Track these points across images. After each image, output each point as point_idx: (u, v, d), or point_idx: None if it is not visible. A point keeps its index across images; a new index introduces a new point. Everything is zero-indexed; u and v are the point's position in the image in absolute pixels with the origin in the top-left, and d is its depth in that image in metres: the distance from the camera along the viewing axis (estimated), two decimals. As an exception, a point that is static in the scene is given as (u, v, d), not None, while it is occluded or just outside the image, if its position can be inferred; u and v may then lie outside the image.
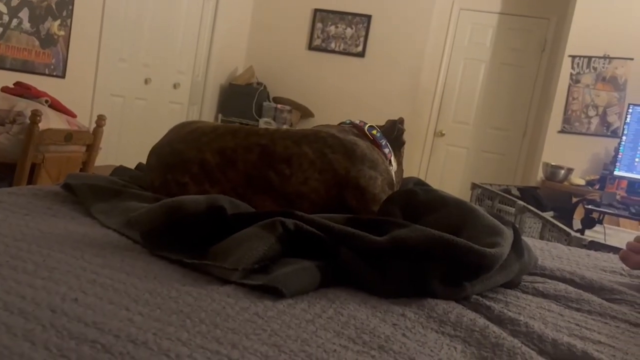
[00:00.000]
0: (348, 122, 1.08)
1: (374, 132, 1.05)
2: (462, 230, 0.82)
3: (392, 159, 1.07)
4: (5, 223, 0.73)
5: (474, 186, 3.68)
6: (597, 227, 2.98)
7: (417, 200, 0.89)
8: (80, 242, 0.70)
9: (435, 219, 0.84)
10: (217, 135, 0.96)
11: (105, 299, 0.53)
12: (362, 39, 5.08)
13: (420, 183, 1.15)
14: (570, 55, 4.36)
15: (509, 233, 0.83)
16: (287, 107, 5.00)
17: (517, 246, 0.86)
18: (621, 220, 3.21)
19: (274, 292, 0.62)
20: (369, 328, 0.58)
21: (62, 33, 3.27)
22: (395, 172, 1.06)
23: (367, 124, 1.06)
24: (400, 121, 1.11)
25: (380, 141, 1.04)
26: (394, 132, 1.08)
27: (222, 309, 0.56)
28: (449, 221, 0.84)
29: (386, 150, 1.04)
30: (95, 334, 0.45)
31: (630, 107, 3.16)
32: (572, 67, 4.36)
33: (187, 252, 0.70)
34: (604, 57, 4.28)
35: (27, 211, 0.81)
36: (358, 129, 1.05)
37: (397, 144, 1.09)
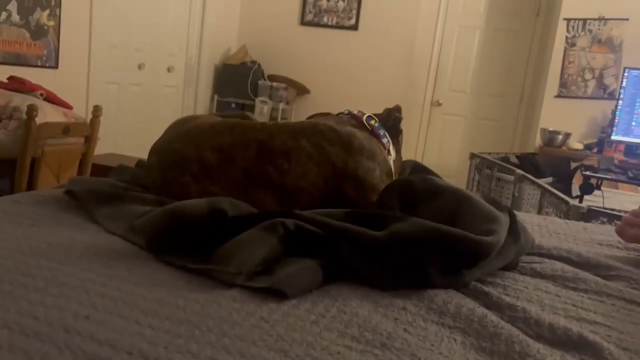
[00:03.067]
0: (347, 112, 1.10)
1: (372, 122, 1.06)
2: (458, 218, 0.83)
3: (391, 148, 1.08)
4: (11, 236, 0.75)
5: (473, 156, 3.69)
6: (596, 192, 3.00)
7: (414, 189, 0.91)
8: (87, 252, 0.72)
9: (432, 209, 0.86)
10: (214, 132, 0.97)
11: (115, 313, 0.55)
12: (354, 12, 5.02)
13: (418, 168, 1.16)
14: (565, 19, 4.32)
15: (504, 218, 0.85)
16: (283, 85, 4.98)
17: (513, 230, 0.88)
18: (619, 183, 3.23)
19: (278, 293, 0.64)
20: (371, 325, 0.60)
21: (51, 23, 3.24)
22: (394, 161, 1.08)
23: (365, 114, 1.07)
24: (397, 109, 1.11)
25: (379, 131, 1.05)
26: (389, 120, 1.09)
27: (229, 315, 0.58)
28: (446, 209, 0.86)
29: (384, 140, 1.05)
30: (108, 353, 0.47)
31: (626, 71, 3.15)
32: (568, 31, 4.32)
33: (191, 256, 0.72)
34: (599, 19, 4.23)
35: (32, 221, 0.83)
36: (356, 120, 1.06)
37: (394, 133, 1.10)
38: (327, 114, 1.15)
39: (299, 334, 0.56)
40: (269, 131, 0.97)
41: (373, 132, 1.05)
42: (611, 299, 0.82)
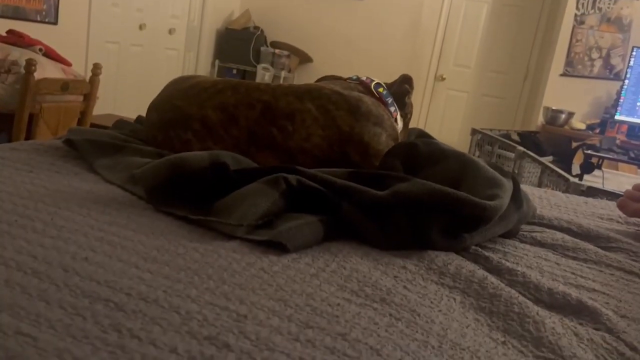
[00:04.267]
0: (355, 77, 1.07)
1: (380, 89, 1.04)
2: (462, 182, 0.83)
3: (398, 117, 1.06)
4: (10, 180, 0.74)
5: (474, 132, 3.67)
6: (596, 172, 3.00)
7: (418, 153, 0.90)
8: (86, 199, 0.71)
9: (435, 172, 0.85)
10: (217, 90, 0.95)
11: (114, 257, 0.54)
12: (361, -20, 4.92)
13: (422, 135, 1.15)
14: (575, -5, 4.25)
15: (508, 184, 0.84)
16: (285, 52, 4.92)
17: (516, 197, 0.87)
18: (620, 164, 3.23)
19: (278, 247, 0.64)
20: (371, 281, 0.60)
21: (52, -23, 3.17)
22: (400, 132, 1.06)
23: (373, 80, 1.05)
24: (408, 80, 1.09)
25: (387, 99, 1.03)
26: (398, 91, 1.07)
27: (229, 265, 0.57)
28: (449, 174, 0.85)
29: (392, 109, 1.04)
30: (107, 293, 0.47)
31: (634, 50, 3.11)
32: (577, 8, 4.25)
33: (191, 208, 0.71)
34: (610, -3, 4.16)
35: (31, 167, 0.82)
36: (364, 86, 1.04)
37: (401, 104, 1.08)
38: (337, 78, 1.13)
39: (298, 286, 0.55)
40: (273, 92, 0.96)
41: (381, 99, 1.04)
42: (610, 269, 0.82)
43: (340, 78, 1.12)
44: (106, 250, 0.56)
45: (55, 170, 0.83)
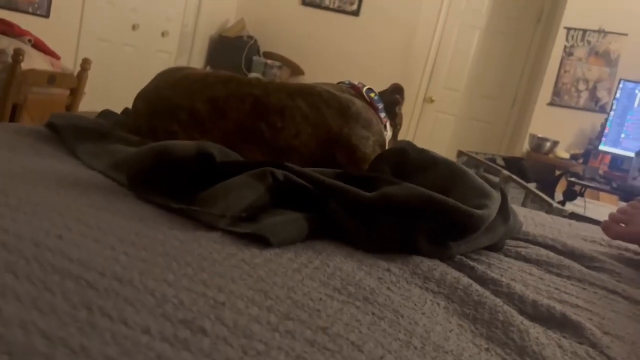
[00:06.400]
0: (347, 82, 1.07)
1: (372, 94, 1.04)
2: (451, 190, 0.82)
3: (388, 124, 1.06)
4: (-14, 158, 0.71)
5: (460, 154, 3.69)
6: (578, 200, 3.02)
7: (408, 159, 0.89)
8: (65, 180, 0.68)
9: (424, 179, 0.84)
10: (207, 83, 0.94)
11: (89, 237, 0.52)
12: (357, -2, 4.97)
13: (411, 144, 1.14)
14: (565, 27, 4.33)
15: (496, 196, 0.83)
16: (277, 63, 4.92)
17: (504, 210, 0.86)
18: (601, 194, 3.26)
19: (261, 241, 0.62)
20: (354, 280, 0.58)
21: (47, -30, 3.14)
22: (389, 141, 1.06)
23: (365, 85, 1.05)
24: (398, 90, 1.09)
25: (377, 104, 1.03)
26: (389, 100, 1.07)
27: (209, 254, 0.55)
28: (439, 181, 0.84)
29: (382, 115, 1.03)
30: (79, 270, 0.44)
31: (621, 83, 3.17)
32: (567, 40, 4.33)
33: (174, 197, 0.69)
34: (599, 31, 4.25)
35: (10, 147, 0.79)
36: (356, 90, 1.03)
37: (392, 113, 1.08)
38: (326, 83, 1.12)
39: (280, 279, 0.53)
40: (265, 87, 0.94)
41: (371, 104, 1.03)
42: (594, 287, 0.81)
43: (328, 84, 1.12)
44: (82, 230, 0.53)
45: (35, 152, 0.80)
